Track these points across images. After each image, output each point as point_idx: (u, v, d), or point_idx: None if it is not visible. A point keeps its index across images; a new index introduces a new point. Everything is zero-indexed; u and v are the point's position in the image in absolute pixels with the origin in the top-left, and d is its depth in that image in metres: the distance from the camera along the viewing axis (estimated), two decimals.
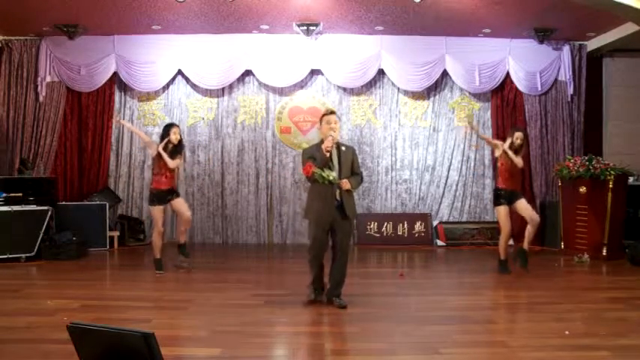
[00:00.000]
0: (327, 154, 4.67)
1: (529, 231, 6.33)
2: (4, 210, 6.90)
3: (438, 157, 8.98)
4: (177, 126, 6.39)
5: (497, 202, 6.38)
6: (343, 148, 4.89)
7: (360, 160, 8.74)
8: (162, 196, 6.23)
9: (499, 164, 6.42)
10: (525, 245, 6.40)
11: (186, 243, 6.62)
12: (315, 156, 4.71)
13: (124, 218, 8.60)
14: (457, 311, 4.79)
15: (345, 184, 4.71)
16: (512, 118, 8.74)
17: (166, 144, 6.16)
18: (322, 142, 4.78)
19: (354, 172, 4.89)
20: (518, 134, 6.33)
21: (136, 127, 8.73)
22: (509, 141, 6.30)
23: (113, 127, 8.66)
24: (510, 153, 6.22)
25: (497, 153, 6.40)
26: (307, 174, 4.66)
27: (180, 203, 6.39)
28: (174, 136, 6.19)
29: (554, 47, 8.55)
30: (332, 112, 4.89)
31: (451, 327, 4.29)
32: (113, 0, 6.82)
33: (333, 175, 4.64)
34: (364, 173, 8.75)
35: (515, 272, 6.38)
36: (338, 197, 4.74)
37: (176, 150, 6.24)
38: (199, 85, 8.62)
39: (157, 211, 6.23)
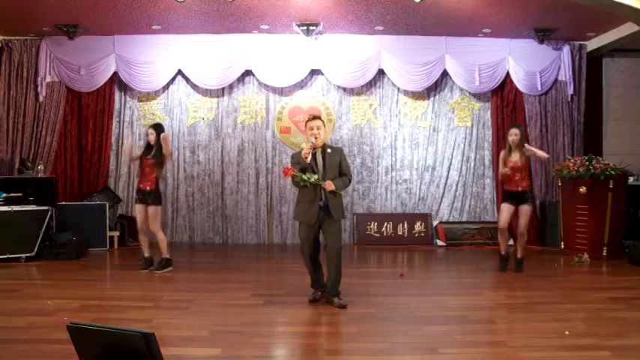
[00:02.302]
0: (307, 160, 4.74)
1: (519, 242, 6.48)
2: (4, 210, 6.89)
3: (438, 157, 8.98)
4: (150, 126, 6.56)
5: (503, 199, 6.53)
6: (329, 151, 4.94)
7: (359, 160, 8.88)
8: (139, 194, 6.45)
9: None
10: (519, 255, 6.49)
11: (150, 258, 6.53)
12: (300, 161, 4.80)
13: (124, 218, 8.59)
14: (457, 311, 4.80)
15: (329, 185, 4.76)
16: (512, 118, 8.73)
17: (147, 146, 6.49)
18: None
19: (342, 173, 4.93)
20: (512, 130, 6.44)
21: (136, 127, 8.78)
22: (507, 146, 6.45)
23: (113, 127, 8.67)
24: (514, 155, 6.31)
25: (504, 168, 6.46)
26: (286, 176, 4.79)
27: (149, 212, 6.38)
28: (148, 138, 6.47)
29: (554, 47, 8.54)
30: (314, 118, 4.94)
31: (451, 327, 4.30)
32: (113, 0, 6.82)
33: (314, 177, 4.71)
34: (364, 173, 8.90)
35: (514, 272, 6.41)
36: (323, 198, 4.80)
37: (149, 151, 6.43)
38: (199, 85, 8.62)
39: (136, 209, 6.55)
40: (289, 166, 4.83)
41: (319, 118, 4.96)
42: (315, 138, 4.81)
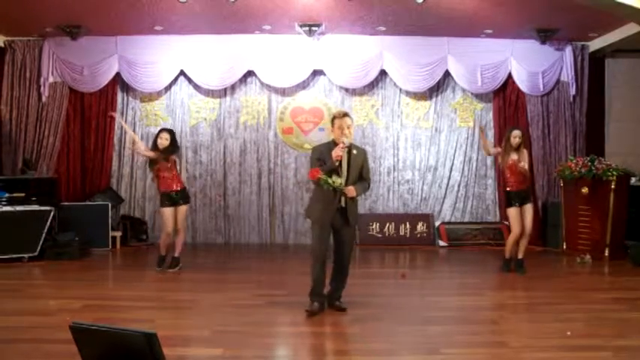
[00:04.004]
0: (337, 163, 4.50)
1: (522, 242, 6.43)
2: (7, 210, 6.91)
3: (440, 158, 8.97)
4: (165, 130, 6.48)
5: (508, 203, 6.46)
6: (354, 152, 4.66)
7: None
8: (168, 197, 6.31)
9: (505, 167, 6.45)
10: (520, 255, 6.46)
11: (175, 257, 6.46)
12: (325, 159, 4.53)
13: (126, 218, 8.60)
14: (459, 311, 4.80)
15: (351, 191, 4.53)
16: (515, 119, 8.72)
17: (155, 150, 6.33)
18: (333, 142, 4.62)
19: (362, 176, 4.72)
20: (516, 132, 6.41)
21: (138, 127, 8.77)
22: (504, 144, 6.43)
23: (116, 127, 8.67)
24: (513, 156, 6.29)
25: (500, 159, 6.49)
26: (313, 178, 4.47)
27: (179, 212, 6.35)
28: (159, 141, 6.32)
29: (556, 48, 8.53)
30: (345, 115, 4.63)
31: (453, 327, 4.30)
32: (116, 1, 6.84)
33: (339, 181, 4.46)
34: None
35: (516, 273, 6.40)
36: (342, 203, 4.59)
37: (162, 154, 6.31)
38: (201, 85, 8.63)
39: (165, 214, 6.33)
40: (316, 167, 4.48)
41: (348, 115, 4.66)
42: (347, 137, 4.53)
